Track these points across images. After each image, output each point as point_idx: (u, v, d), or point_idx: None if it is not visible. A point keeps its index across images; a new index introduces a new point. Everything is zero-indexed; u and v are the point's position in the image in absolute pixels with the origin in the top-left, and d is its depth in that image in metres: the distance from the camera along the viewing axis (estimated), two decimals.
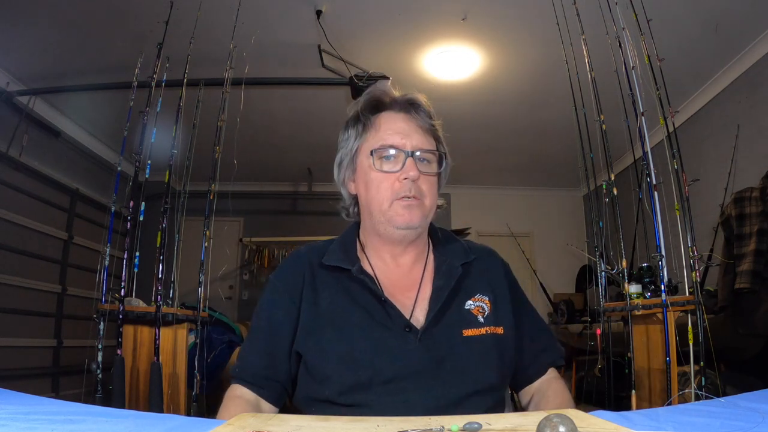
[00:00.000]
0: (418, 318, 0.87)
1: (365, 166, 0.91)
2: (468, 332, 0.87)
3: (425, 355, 0.82)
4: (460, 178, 5.76)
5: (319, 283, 0.91)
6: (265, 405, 0.87)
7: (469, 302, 0.90)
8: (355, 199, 0.98)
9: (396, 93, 0.95)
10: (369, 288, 0.88)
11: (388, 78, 3.09)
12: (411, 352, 0.82)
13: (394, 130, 0.90)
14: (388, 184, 0.89)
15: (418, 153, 0.89)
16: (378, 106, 0.94)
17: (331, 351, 0.83)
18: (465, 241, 1.03)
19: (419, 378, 0.80)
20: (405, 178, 0.87)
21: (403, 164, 0.88)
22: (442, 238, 1.01)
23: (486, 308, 0.91)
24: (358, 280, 0.88)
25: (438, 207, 0.97)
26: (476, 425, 0.48)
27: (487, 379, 0.83)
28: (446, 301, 0.88)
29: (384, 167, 0.89)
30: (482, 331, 0.88)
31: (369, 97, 0.94)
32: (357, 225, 1.00)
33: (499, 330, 0.90)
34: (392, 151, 0.89)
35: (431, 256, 0.97)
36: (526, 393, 0.96)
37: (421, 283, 0.92)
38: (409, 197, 0.87)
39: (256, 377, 0.87)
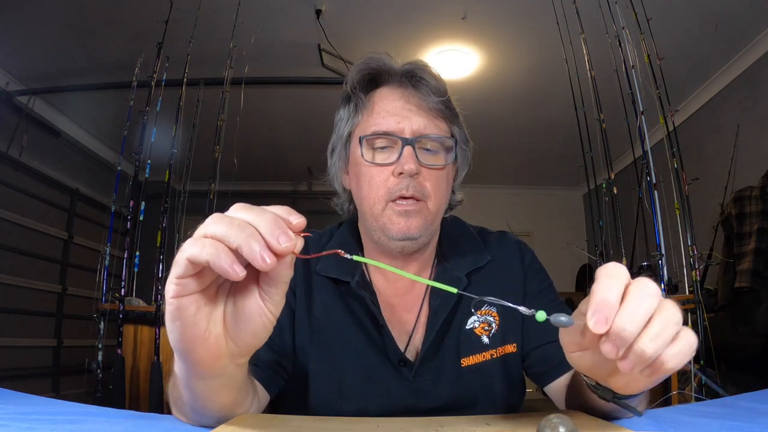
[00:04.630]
0: (416, 347, 0.74)
1: (356, 155, 0.74)
2: (467, 361, 0.73)
3: (419, 394, 0.71)
4: None
5: (315, 285, 0.77)
6: (259, 387, 0.68)
7: (473, 319, 0.75)
8: (351, 194, 0.80)
9: (395, 63, 0.76)
10: (368, 307, 0.73)
11: None
12: (403, 389, 0.71)
13: (389, 111, 0.72)
14: (381, 179, 0.71)
15: (419, 140, 0.71)
16: (373, 80, 0.76)
17: (316, 374, 0.72)
18: (484, 233, 0.85)
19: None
20: (401, 173, 0.69)
21: (400, 154, 0.70)
22: (453, 239, 0.82)
23: (493, 323, 0.75)
24: (357, 297, 0.74)
25: (455, 204, 0.82)
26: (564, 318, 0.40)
27: (490, 414, 0.72)
28: (445, 323, 0.73)
29: (376, 158, 0.72)
30: (486, 356, 0.74)
31: (361, 70, 0.75)
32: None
33: (511, 348, 0.75)
34: (386, 139, 0.71)
35: (437, 266, 0.80)
36: (556, 388, 0.73)
37: (423, 301, 0.77)
38: (406, 198, 0.70)
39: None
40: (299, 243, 0.41)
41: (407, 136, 0.70)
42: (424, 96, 0.72)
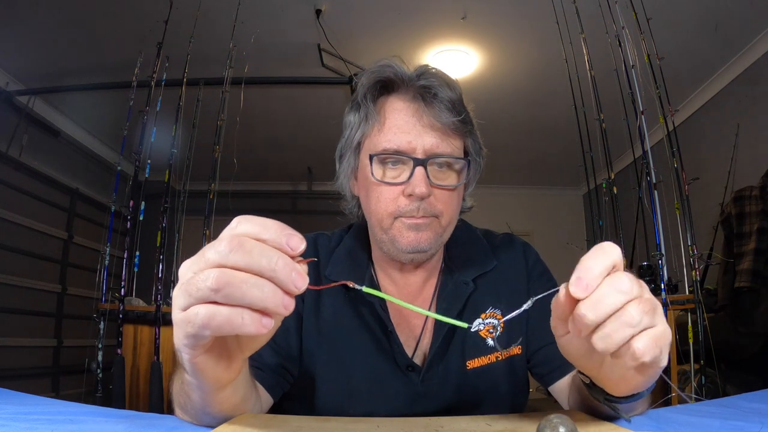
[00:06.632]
0: (423, 351, 0.75)
1: (366, 170, 0.71)
2: (472, 363, 0.74)
3: (426, 397, 0.72)
4: None
5: (324, 289, 0.77)
6: (260, 389, 0.67)
7: (477, 321, 0.72)
8: (359, 200, 0.79)
9: (409, 68, 0.73)
10: (377, 313, 0.73)
11: None
12: (411, 393, 0.72)
13: (400, 128, 0.69)
14: (391, 197, 0.69)
15: (431, 160, 0.68)
16: (385, 86, 0.73)
17: (324, 377, 0.73)
18: (490, 237, 0.86)
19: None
20: (411, 195, 0.68)
21: (411, 174, 0.68)
22: (461, 244, 0.82)
23: (498, 326, 0.76)
24: (367, 302, 0.74)
25: (465, 210, 0.81)
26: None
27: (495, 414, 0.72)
28: (451, 327, 0.74)
29: (387, 175, 0.69)
30: (491, 358, 0.74)
31: (373, 76, 0.72)
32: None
33: (516, 351, 0.76)
34: (396, 158, 0.69)
35: (444, 272, 0.80)
36: (560, 388, 0.74)
37: (430, 306, 0.78)
38: (416, 217, 0.69)
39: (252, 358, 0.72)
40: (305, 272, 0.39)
41: (419, 155, 0.68)
42: (439, 113, 0.69)
